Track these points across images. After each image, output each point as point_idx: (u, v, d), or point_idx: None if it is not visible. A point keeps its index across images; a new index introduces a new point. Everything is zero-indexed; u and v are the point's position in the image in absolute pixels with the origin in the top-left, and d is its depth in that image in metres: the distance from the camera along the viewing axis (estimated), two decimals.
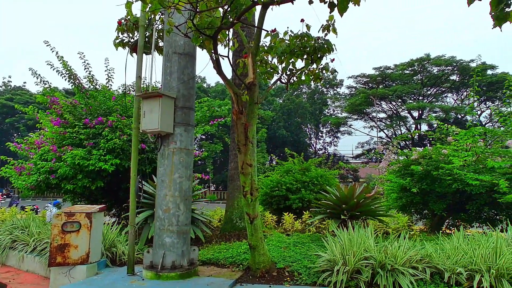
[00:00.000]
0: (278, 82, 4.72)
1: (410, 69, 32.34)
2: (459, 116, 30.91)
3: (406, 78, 32.73)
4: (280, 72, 4.55)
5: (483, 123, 26.71)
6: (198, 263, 4.23)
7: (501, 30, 2.36)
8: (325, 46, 3.89)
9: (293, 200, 7.70)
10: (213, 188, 38.25)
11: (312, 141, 43.90)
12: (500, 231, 4.67)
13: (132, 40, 4.71)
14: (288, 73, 4.52)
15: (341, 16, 2.62)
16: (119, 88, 8.89)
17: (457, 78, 31.10)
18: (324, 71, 4.45)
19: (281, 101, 42.39)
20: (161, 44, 4.92)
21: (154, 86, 7.71)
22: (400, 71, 32.58)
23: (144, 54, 4.37)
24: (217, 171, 37.11)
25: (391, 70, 33.41)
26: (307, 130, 43.23)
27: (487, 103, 30.15)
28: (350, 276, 3.48)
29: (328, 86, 42.28)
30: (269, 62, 4.56)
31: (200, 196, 7.00)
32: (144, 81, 7.26)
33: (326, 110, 42.40)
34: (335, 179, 9.09)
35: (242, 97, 3.93)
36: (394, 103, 34.27)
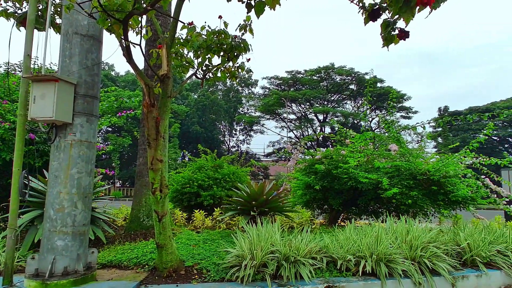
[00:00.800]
0: (194, 77, 4.62)
1: (317, 75, 35.40)
2: (356, 121, 35.10)
3: (314, 83, 35.72)
4: (195, 67, 4.46)
5: (373, 129, 30.88)
6: (97, 266, 3.85)
7: (388, 50, 2.75)
8: (242, 45, 3.96)
9: (204, 197, 7.65)
10: (118, 185, 35.51)
11: (225, 139, 44.43)
12: (382, 221, 5.46)
13: (19, 11, 4.01)
14: (204, 68, 4.46)
15: (258, 18, 2.69)
16: (0, 67, 7.49)
17: (355, 88, 35.28)
18: (240, 70, 4.52)
19: (196, 97, 41.79)
20: (59, 21, 4.32)
21: (49, 68, 6.75)
22: (309, 77, 35.40)
23: (36, 30, 3.76)
24: (124, 167, 34.58)
25: (302, 75, 36.03)
26: (221, 127, 43.61)
27: (377, 111, 34.98)
28: (257, 270, 3.62)
29: (243, 85, 43.34)
30: (185, 55, 4.42)
31: (103, 193, 6.40)
32: (35, 61, 6.29)
33: (241, 109, 43.40)
34: (247, 176, 9.35)
35: (155, 89, 3.72)
36: (303, 106, 37.01)
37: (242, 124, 42.81)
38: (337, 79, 35.38)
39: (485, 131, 6.63)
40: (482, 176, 6.90)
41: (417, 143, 8.79)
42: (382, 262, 3.82)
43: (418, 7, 2.32)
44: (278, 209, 6.25)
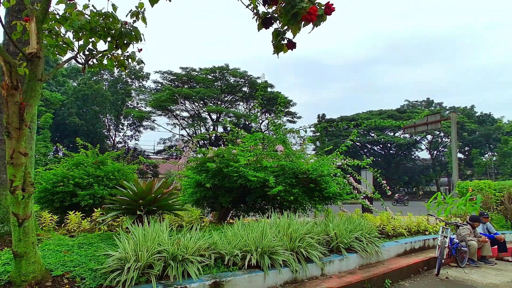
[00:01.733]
0: (73, 61, 4.06)
1: (212, 75, 35.74)
2: (247, 122, 36.78)
3: (209, 82, 35.93)
4: (76, 49, 3.93)
5: (263, 130, 32.97)
6: None
7: (278, 57, 2.97)
8: (133, 33, 3.69)
9: (82, 197, 6.79)
10: None
11: (111, 133, 40.53)
12: (267, 217, 5.87)
13: None
14: (87, 53, 3.98)
15: (152, 6, 2.55)
16: None
17: (247, 90, 36.99)
18: (130, 60, 4.19)
19: (75, 84, 36.88)
20: None
21: None
22: (204, 75, 35.44)
23: None
24: None
25: (196, 73, 35.79)
26: (106, 121, 39.59)
27: (266, 114, 37.48)
28: (142, 272, 3.42)
29: (133, 76, 40.28)
30: (62, 35, 3.85)
31: None
32: None
33: (129, 102, 40.26)
34: (134, 174, 8.72)
35: (19, 69, 3.11)
36: (197, 104, 36.79)
37: (131, 119, 39.70)
38: (231, 81, 36.46)
39: (350, 137, 7.85)
40: (348, 175, 8.14)
41: (300, 145, 9.78)
42: (266, 254, 4.11)
43: (303, 22, 2.58)
44: (167, 208, 6.03)
